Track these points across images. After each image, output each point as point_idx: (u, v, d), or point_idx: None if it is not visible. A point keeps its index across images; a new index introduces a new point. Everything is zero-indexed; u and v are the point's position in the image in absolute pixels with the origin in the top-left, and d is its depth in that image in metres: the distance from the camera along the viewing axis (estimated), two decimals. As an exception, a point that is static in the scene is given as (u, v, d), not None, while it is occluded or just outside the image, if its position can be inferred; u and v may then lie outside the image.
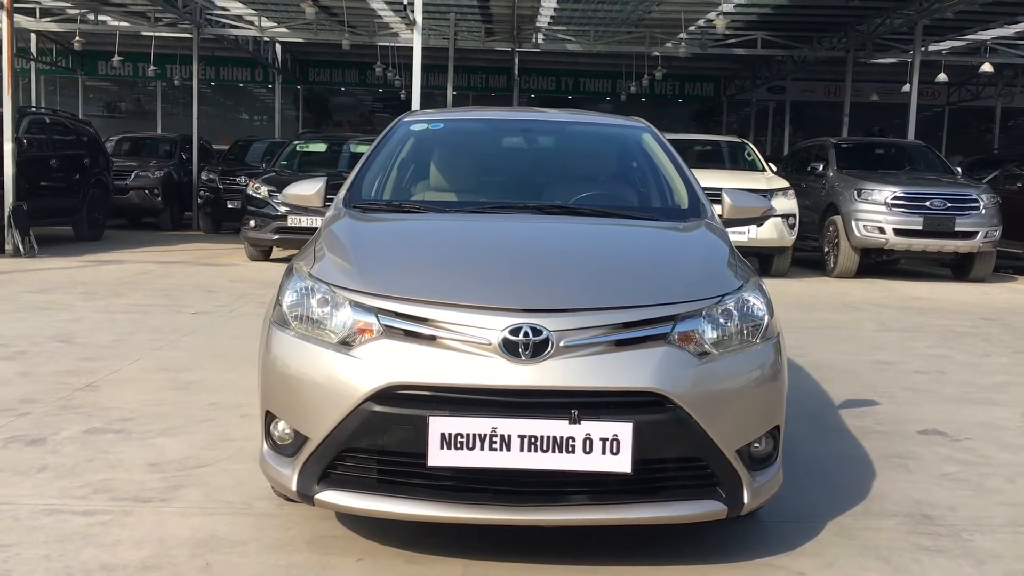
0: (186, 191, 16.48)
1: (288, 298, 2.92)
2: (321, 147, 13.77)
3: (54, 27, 19.57)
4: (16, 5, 12.02)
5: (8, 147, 10.97)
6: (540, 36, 20.18)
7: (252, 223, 11.23)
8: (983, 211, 11.08)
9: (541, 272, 2.96)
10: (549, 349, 2.60)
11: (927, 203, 11.07)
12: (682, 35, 18.87)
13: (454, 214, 3.69)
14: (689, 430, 2.63)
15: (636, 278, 3.00)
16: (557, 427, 2.54)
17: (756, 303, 2.95)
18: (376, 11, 18.26)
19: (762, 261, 11.33)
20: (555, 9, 17.96)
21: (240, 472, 3.59)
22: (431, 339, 2.65)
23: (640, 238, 3.50)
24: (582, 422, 2.54)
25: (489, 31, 20.28)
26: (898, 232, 11.07)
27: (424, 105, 12.41)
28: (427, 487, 2.63)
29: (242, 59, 23.82)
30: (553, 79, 25.96)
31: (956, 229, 11.03)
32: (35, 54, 23.05)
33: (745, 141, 13.52)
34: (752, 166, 12.47)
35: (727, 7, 16.74)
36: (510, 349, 2.59)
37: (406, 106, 15.20)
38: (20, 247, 10.86)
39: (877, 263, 12.06)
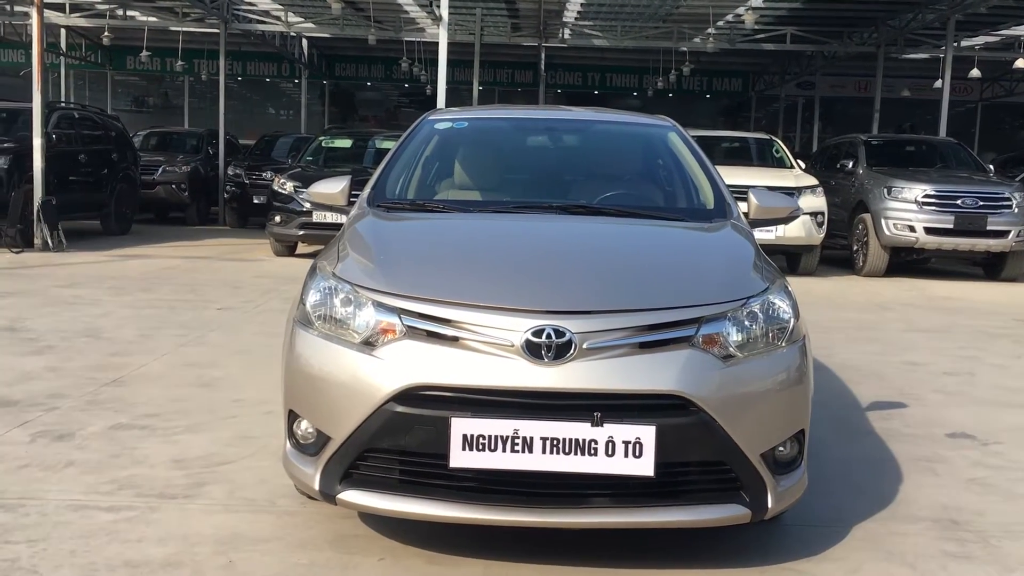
0: (212, 186, 16.59)
1: (311, 298, 2.92)
2: (347, 143, 13.82)
3: (83, 22, 19.76)
4: (46, 0, 12.14)
5: (37, 142, 11.08)
6: (567, 31, 20.11)
7: (277, 218, 11.28)
8: (1016, 209, 10.90)
9: (564, 273, 2.94)
10: (572, 351, 2.59)
11: (958, 201, 10.92)
12: (710, 30, 18.71)
13: (478, 214, 3.68)
14: (713, 434, 2.61)
15: (660, 280, 2.98)
16: (579, 429, 2.53)
17: (782, 306, 2.91)
18: (402, 6, 18.28)
19: (790, 259, 11.23)
20: (582, 4, 17.88)
21: (263, 470, 3.61)
22: (454, 340, 2.64)
23: (664, 239, 3.47)
24: (605, 425, 2.53)
25: (515, 26, 20.24)
26: (929, 231, 10.93)
27: (450, 100, 12.41)
28: (448, 488, 2.63)
29: (269, 54, 23.94)
30: (580, 74, 25.86)
31: (988, 228, 10.87)
32: (64, 49, 23.29)
33: (773, 138, 13.40)
34: (780, 163, 12.36)
35: (756, 2, 16.58)
36: (533, 351, 2.58)
37: (431, 101, 15.20)
38: (49, 241, 10.99)
39: (907, 262, 11.91)
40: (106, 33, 19.53)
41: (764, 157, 12.72)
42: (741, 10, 16.80)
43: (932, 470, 3.91)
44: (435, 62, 13.01)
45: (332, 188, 3.91)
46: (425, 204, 3.84)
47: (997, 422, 4.73)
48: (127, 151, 13.72)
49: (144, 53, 20.02)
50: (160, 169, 15.33)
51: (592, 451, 2.53)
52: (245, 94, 27.36)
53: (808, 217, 10.66)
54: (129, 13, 19.38)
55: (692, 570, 2.85)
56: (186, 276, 9.30)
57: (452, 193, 4.13)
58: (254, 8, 18.87)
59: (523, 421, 2.53)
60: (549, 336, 2.59)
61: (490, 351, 2.61)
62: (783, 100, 26.38)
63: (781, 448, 2.80)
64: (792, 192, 10.34)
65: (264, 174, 14.66)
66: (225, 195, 15.88)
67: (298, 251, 11.63)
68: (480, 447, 2.53)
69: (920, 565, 2.96)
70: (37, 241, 10.99)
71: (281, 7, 18.65)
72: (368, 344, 2.72)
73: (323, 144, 13.55)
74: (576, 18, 19.26)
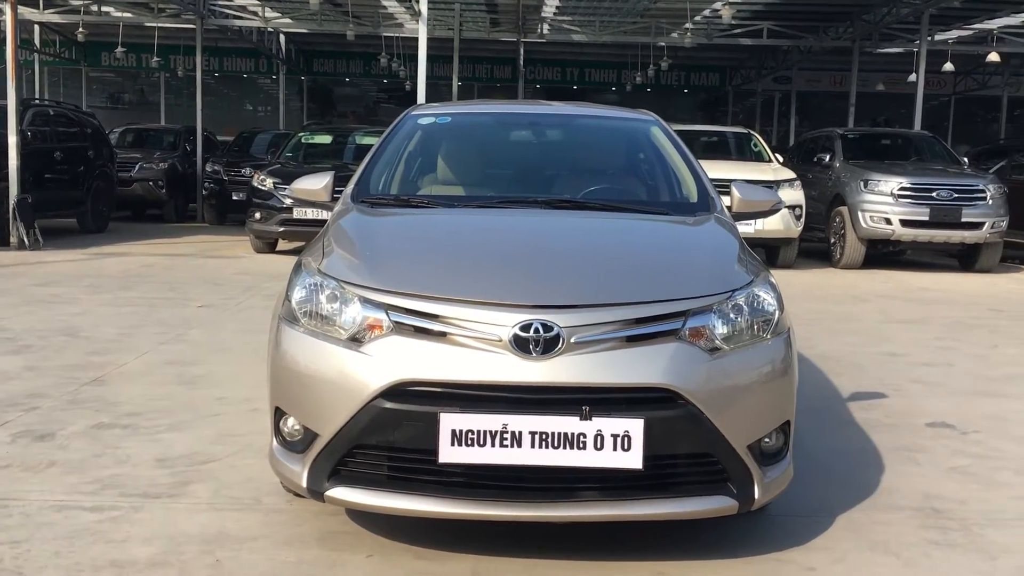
0: (190, 183, 16.45)
1: (297, 294, 2.91)
2: (326, 139, 13.76)
3: (57, 18, 19.52)
4: (20, -3, 11.98)
5: (12, 139, 10.95)
6: (545, 26, 20.10)
7: (257, 215, 11.22)
8: (990, 201, 11.03)
9: (551, 268, 2.95)
10: (560, 345, 2.59)
11: (934, 194, 11.03)
12: (687, 25, 18.77)
13: (463, 209, 3.68)
14: (700, 426, 2.63)
15: (646, 273, 2.99)
16: (568, 423, 2.54)
17: (767, 298, 2.93)
18: (380, 1, 18.21)
19: (768, 252, 11.30)
20: (560, -1, 17.91)
21: (248, 468, 3.59)
22: (441, 335, 2.64)
23: (649, 233, 3.48)
24: (593, 418, 2.54)
25: (494, 21, 20.21)
26: (905, 223, 11.03)
27: (429, 96, 12.37)
28: (437, 483, 2.63)
29: (246, 50, 23.77)
30: (558, 69, 25.86)
31: (963, 220, 10.99)
32: (39, 45, 23.01)
33: (751, 132, 13.47)
34: (758, 157, 12.43)
35: (732, -4, 16.63)
36: (521, 345, 2.59)
37: (411, 97, 15.16)
38: (25, 240, 10.86)
39: (883, 254, 12.02)
40: (80, 29, 19.33)
41: (742, 151, 12.80)
42: (718, 5, 16.86)
43: (913, 459, 3.95)
44: (414, 58, 12.98)
45: (315, 184, 3.90)
46: (410, 199, 3.83)
47: (975, 411, 4.79)
48: (103, 148, 13.59)
49: (119, 49, 19.84)
50: (137, 166, 15.19)
51: (581, 445, 2.54)
52: (222, 90, 27.16)
53: (786, 210, 10.73)
54: (104, 9, 19.17)
55: (680, 562, 2.87)
56: (165, 274, 9.23)
57: (436, 188, 4.12)
58: (231, 3, 18.73)
59: (512, 416, 2.54)
60: (537, 331, 2.59)
61: (478, 346, 2.61)
62: (760, 95, 26.52)
63: (767, 439, 2.82)
64: (770, 186, 10.41)
65: (243, 171, 14.55)
66: (203, 192, 15.76)
67: (279, 248, 11.57)
68: (469, 442, 2.54)
69: (903, 553, 2.99)
70: (13, 240, 10.87)
71: (258, 2, 18.52)
72: (355, 340, 2.71)
73: (303, 140, 13.48)
74: (555, 13, 19.27)
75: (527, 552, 2.88)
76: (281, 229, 11.05)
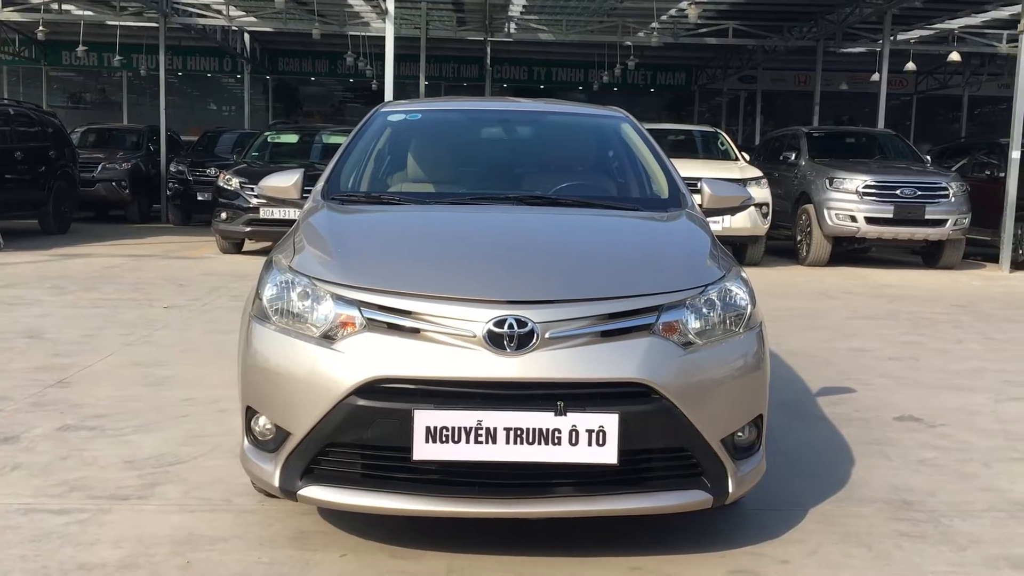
0: (154, 183, 16.22)
1: (268, 292, 2.87)
2: (293, 138, 13.64)
3: (17, 16, 19.17)
4: (-22, -6, 11.76)
5: (-28, 139, 10.75)
6: (512, 25, 20.09)
7: (224, 215, 11.11)
8: (952, 199, 11.20)
9: (525, 263, 2.94)
10: (534, 341, 2.58)
11: (897, 191, 11.17)
12: (654, 24, 18.85)
13: (435, 205, 3.67)
14: (674, 420, 2.63)
15: (620, 269, 2.99)
16: (543, 419, 2.53)
17: (739, 293, 2.95)
18: (347, 0, 18.10)
19: (736, 250, 11.37)
20: (527, -2, 17.90)
21: (218, 468, 3.54)
22: (415, 332, 2.62)
23: (622, 228, 3.48)
24: (568, 414, 2.53)
25: (461, 20, 20.16)
26: (869, 220, 11.16)
27: (396, 95, 12.31)
28: (412, 481, 2.61)
29: (210, 48, 23.51)
30: (525, 69, 25.87)
31: (926, 217, 11.15)
32: (-3, 44, 22.63)
33: (718, 130, 13.56)
34: (725, 155, 12.52)
35: (698, -4, 16.73)
36: (495, 341, 2.57)
37: (377, 96, 15.10)
38: (-15, 241, 10.67)
39: (849, 251, 12.16)
40: (41, 27, 18.96)
41: (709, 149, 12.87)
42: (684, 4, 16.92)
43: (883, 453, 4.00)
44: (381, 57, 12.93)
45: (285, 182, 3.86)
46: (381, 196, 3.80)
47: (942, 405, 4.85)
48: (65, 148, 13.36)
49: (80, 48, 19.50)
50: (99, 166, 14.95)
51: (556, 440, 2.53)
52: (186, 89, 26.85)
53: (753, 208, 10.81)
54: (64, 7, 18.85)
55: (656, 556, 2.87)
56: (130, 275, 9.09)
57: (407, 185, 4.10)
58: (194, 1, 18.50)
59: (486, 412, 2.53)
60: (511, 326, 2.58)
61: (452, 342, 2.59)
62: (726, 94, 26.73)
63: (740, 433, 2.83)
64: (738, 183, 10.47)
65: (208, 170, 14.39)
66: (168, 192, 15.57)
67: (245, 248, 11.45)
68: (443, 439, 2.52)
69: (875, 545, 3.02)
70: (-28, 241, 10.67)
71: (222, 1, 18.32)
72: (327, 338, 2.68)
73: (269, 140, 13.36)
74: (521, 12, 19.26)
75: (503, 549, 2.87)
76: (248, 229, 10.95)
